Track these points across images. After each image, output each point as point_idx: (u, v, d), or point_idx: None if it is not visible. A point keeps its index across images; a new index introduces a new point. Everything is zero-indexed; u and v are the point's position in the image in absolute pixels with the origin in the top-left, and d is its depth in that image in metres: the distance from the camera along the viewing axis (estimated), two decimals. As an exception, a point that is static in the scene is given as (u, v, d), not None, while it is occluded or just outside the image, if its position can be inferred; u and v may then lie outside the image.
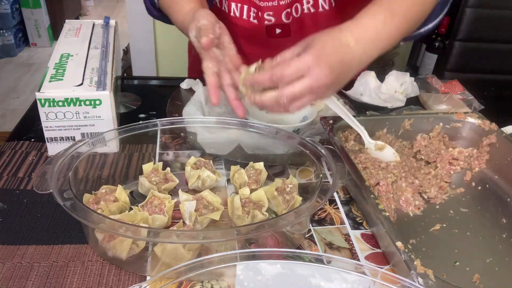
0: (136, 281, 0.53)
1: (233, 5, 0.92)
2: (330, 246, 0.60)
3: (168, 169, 0.68)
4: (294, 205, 0.63)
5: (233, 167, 0.70)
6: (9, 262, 0.55)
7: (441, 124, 0.79)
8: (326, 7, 0.90)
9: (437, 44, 2.01)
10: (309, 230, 0.62)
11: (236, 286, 0.49)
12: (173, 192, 0.66)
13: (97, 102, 0.69)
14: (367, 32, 0.61)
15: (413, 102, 0.95)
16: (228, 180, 0.71)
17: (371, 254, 0.59)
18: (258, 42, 0.96)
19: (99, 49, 0.83)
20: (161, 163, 0.69)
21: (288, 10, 0.92)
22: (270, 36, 0.95)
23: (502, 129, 0.77)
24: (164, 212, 0.59)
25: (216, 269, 0.50)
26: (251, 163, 0.70)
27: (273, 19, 0.93)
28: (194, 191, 0.66)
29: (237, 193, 0.65)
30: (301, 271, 0.48)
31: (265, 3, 0.91)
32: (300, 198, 0.63)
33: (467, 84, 1.02)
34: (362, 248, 0.60)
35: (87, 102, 0.68)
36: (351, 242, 0.61)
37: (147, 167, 0.68)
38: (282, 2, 0.91)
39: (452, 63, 1.70)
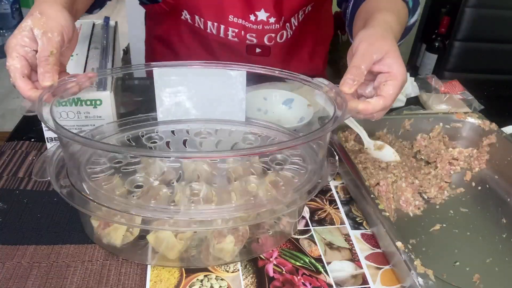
0: (136, 280, 0.53)
1: (209, 23, 0.92)
2: (330, 246, 0.60)
3: None
4: None
5: None
6: (9, 262, 0.55)
7: (441, 124, 0.79)
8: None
9: (437, 44, 2.02)
10: (309, 230, 0.62)
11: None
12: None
13: (98, 102, 0.69)
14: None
15: (413, 102, 0.95)
16: None
17: (371, 254, 0.59)
18: (235, 54, 0.97)
19: (99, 49, 0.83)
20: None
21: (272, 35, 0.93)
22: (249, 54, 0.96)
23: (502, 129, 0.77)
24: None
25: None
26: None
27: (255, 40, 0.94)
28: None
29: None
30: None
31: (250, 25, 0.91)
32: None
33: (467, 84, 1.02)
34: (362, 248, 0.60)
35: (88, 102, 0.68)
36: (351, 242, 0.61)
37: None
38: (267, 27, 0.91)
39: (452, 63, 1.70)
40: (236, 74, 0.68)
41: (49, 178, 0.54)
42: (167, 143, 0.68)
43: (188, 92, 0.69)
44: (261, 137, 0.69)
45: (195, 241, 0.55)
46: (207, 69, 0.68)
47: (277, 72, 0.67)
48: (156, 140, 0.68)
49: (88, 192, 0.53)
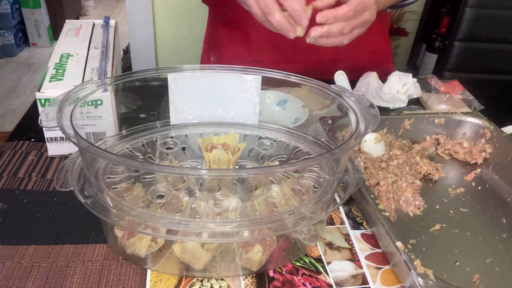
0: (136, 280, 0.53)
1: None
2: (330, 246, 0.60)
3: None
4: None
5: None
6: (9, 262, 0.55)
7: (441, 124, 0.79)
8: None
9: (437, 44, 2.01)
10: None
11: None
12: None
13: (99, 102, 0.69)
14: None
15: (413, 102, 0.95)
16: None
17: (371, 254, 0.59)
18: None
19: (99, 49, 0.83)
20: None
21: None
22: None
23: (502, 129, 0.77)
24: None
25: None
26: None
27: None
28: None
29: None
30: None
31: None
32: None
33: (467, 84, 1.02)
34: (362, 248, 0.60)
35: (89, 103, 0.68)
36: (351, 242, 0.61)
37: None
38: None
39: (452, 63, 1.70)
40: (251, 79, 0.68)
41: (71, 188, 0.53)
42: (183, 149, 0.68)
43: (201, 96, 0.69)
44: (276, 142, 0.70)
45: (222, 251, 0.55)
46: (222, 74, 0.69)
47: (292, 77, 0.67)
48: (171, 146, 0.68)
49: (111, 204, 0.53)
